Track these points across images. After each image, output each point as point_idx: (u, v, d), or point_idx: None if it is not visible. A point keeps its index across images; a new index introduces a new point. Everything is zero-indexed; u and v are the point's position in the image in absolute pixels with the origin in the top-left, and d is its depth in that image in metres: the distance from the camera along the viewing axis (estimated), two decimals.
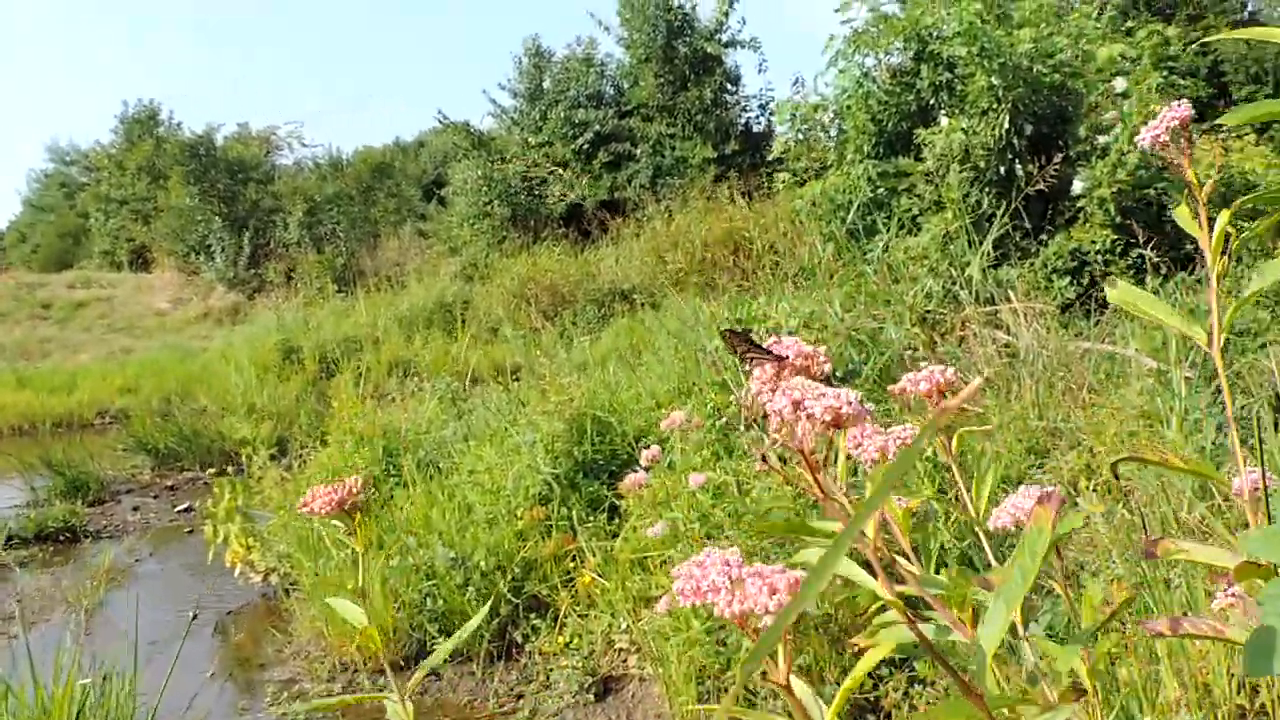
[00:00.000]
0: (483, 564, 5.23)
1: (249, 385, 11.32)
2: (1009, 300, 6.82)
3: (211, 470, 7.49)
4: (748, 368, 1.18)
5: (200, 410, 10.67)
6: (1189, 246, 7.72)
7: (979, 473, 1.26)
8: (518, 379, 9.47)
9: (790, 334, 1.19)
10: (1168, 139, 1.16)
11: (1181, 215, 1.19)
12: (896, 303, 6.89)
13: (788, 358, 1.14)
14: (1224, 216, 1.13)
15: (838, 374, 5.97)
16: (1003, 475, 5.08)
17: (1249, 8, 20.01)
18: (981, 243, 7.47)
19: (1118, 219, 7.60)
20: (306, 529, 6.06)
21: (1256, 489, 1.19)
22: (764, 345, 1.17)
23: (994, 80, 7.79)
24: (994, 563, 1.32)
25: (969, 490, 1.30)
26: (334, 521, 1.45)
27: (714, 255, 12.28)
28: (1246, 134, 11.54)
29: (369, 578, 5.13)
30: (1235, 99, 17.56)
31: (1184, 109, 1.16)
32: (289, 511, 6.34)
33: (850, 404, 0.88)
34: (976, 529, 1.32)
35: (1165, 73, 8.35)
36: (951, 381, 1.17)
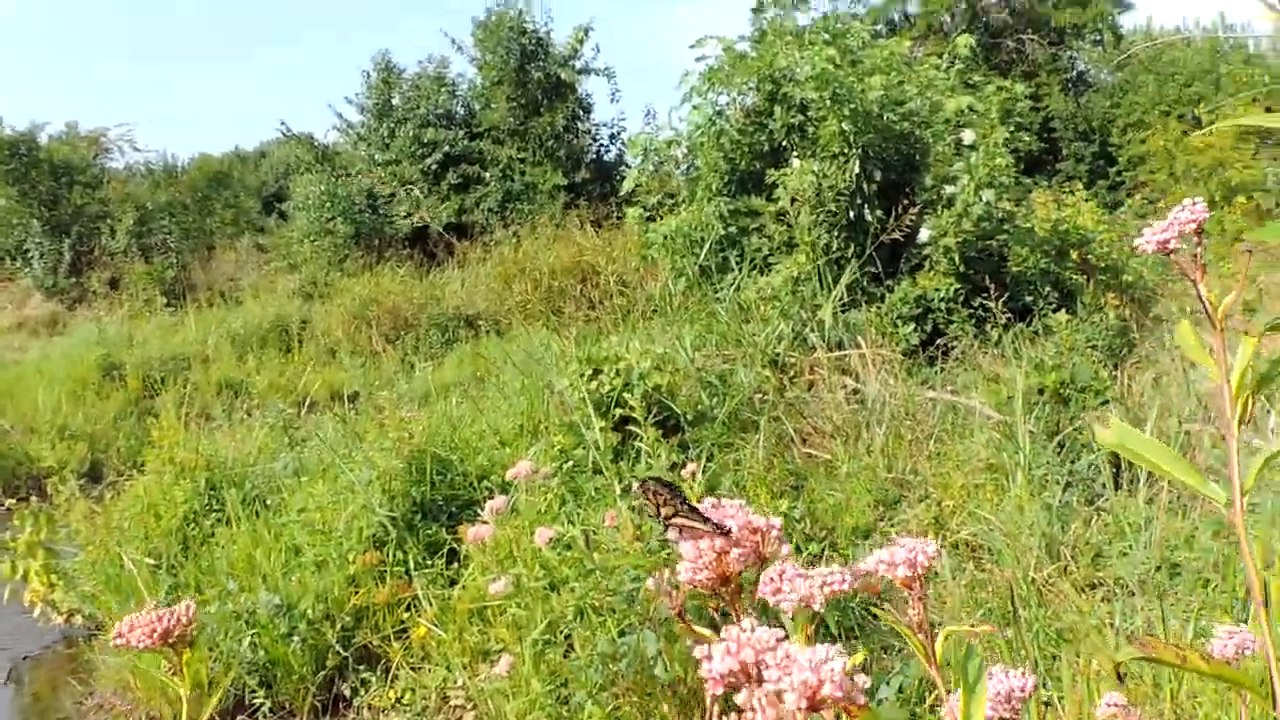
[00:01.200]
0: (310, 611, 4.90)
1: (62, 404, 10.60)
2: (858, 345, 6.84)
3: (12, 500, 6.92)
4: (671, 534, 0.98)
5: (5, 430, 9.93)
6: (1027, 298, 7.92)
7: (965, 689, 1.05)
8: (355, 406, 9.10)
9: (713, 501, 0.97)
10: (1178, 244, 1.00)
11: (1184, 334, 1.04)
12: (748, 344, 6.84)
13: (730, 531, 0.94)
14: (1247, 350, 0.98)
15: (688, 417, 5.86)
16: (852, 527, 5.04)
17: (1078, 67, 20.99)
18: (834, 286, 7.50)
19: (961, 268, 7.73)
20: (116, 569, 5.62)
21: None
22: (695, 507, 0.98)
23: (845, 125, 7.84)
24: None
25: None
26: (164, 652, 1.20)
27: (561, 284, 12.12)
28: (1077, 190, 12.00)
29: None
30: (1065, 154, 18.35)
31: (1200, 209, 1.00)
32: (98, 548, 5.88)
33: (835, 676, 0.63)
34: None
35: (1012, 127, 8.56)
36: (926, 562, 0.99)
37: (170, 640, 1.16)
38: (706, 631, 0.95)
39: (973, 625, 3.68)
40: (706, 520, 0.94)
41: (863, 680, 0.64)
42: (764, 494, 5.00)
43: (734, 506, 0.96)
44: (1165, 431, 5.23)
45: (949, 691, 1.02)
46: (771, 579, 1.09)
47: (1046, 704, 3.09)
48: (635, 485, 1.02)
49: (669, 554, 3.68)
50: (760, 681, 0.64)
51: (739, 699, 0.63)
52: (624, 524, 3.60)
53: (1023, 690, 1.09)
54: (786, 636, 0.67)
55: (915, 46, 11.68)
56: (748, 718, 0.62)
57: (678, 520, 0.96)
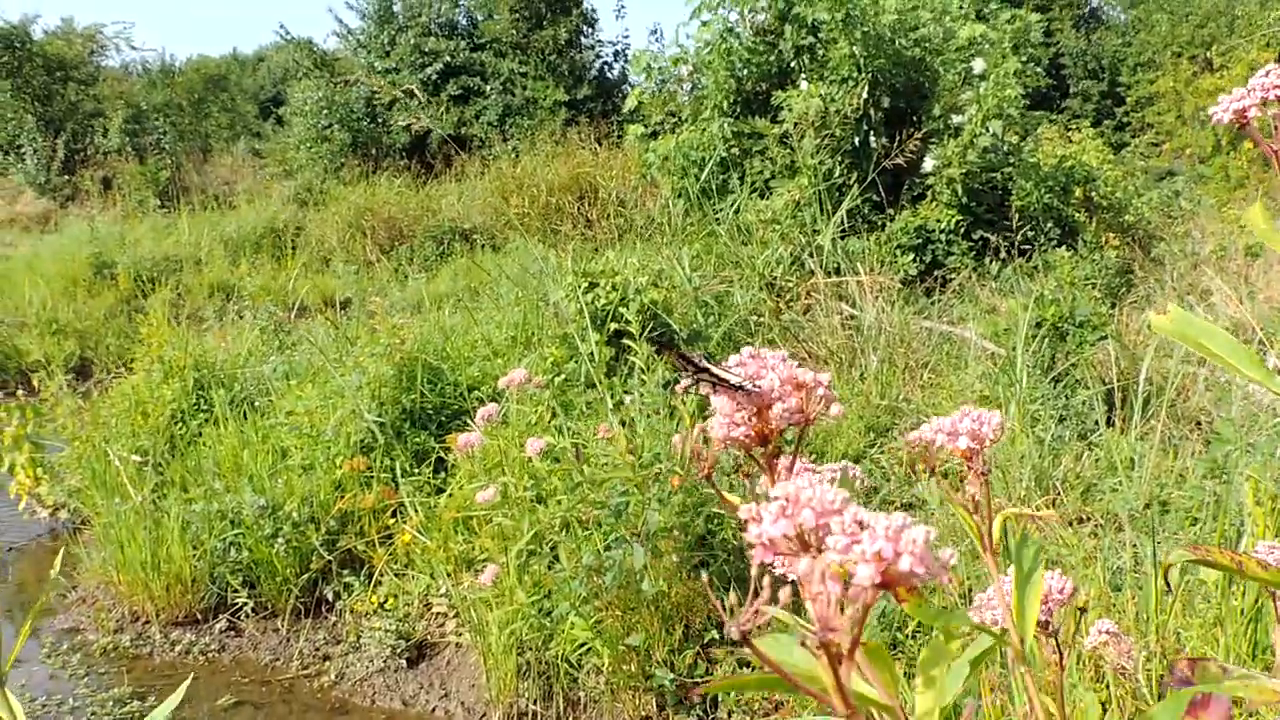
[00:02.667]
0: (295, 514, 4.88)
1: (52, 300, 10.51)
2: (856, 272, 6.78)
3: (1, 394, 6.87)
4: (700, 389, 0.87)
5: None
6: (1029, 233, 7.85)
7: (1018, 578, 0.95)
8: (347, 313, 9.04)
9: (743, 357, 0.88)
10: (1259, 113, 0.88)
11: (1255, 216, 0.95)
12: (745, 266, 6.78)
13: (764, 391, 0.82)
14: None
15: (683, 335, 5.81)
16: (842, 452, 5.02)
17: (1091, 3, 20.68)
18: (833, 212, 7.41)
19: (964, 200, 7.64)
20: (103, 464, 5.59)
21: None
22: (722, 369, 0.87)
23: (856, 49, 7.70)
24: None
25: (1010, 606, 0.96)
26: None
27: (560, 201, 11.98)
28: (1085, 126, 11.85)
29: (167, 525, 4.75)
30: (1073, 91, 18.14)
31: None
32: (84, 443, 5.84)
33: (916, 548, 0.52)
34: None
35: (1023, 59, 8.42)
36: (991, 435, 0.90)
37: None
38: (736, 499, 0.88)
39: (1034, 509, 3.69)
40: (734, 387, 0.85)
41: (949, 554, 0.54)
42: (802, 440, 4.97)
43: (775, 357, 0.86)
44: (1163, 371, 5.20)
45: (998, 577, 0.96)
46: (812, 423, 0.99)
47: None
48: (668, 356, 0.93)
49: (660, 470, 3.66)
50: (820, 550, 0.53)
51: (799, 568, 0.52)
52: (617, 437, 3.57)
53: (1062, 592, 1.03)
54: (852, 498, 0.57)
55: None
56: (809, 593, 0.52)
57: (710, 374, 0.87)
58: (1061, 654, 1.05)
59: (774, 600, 0.55)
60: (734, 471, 3.37)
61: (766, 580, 0.55)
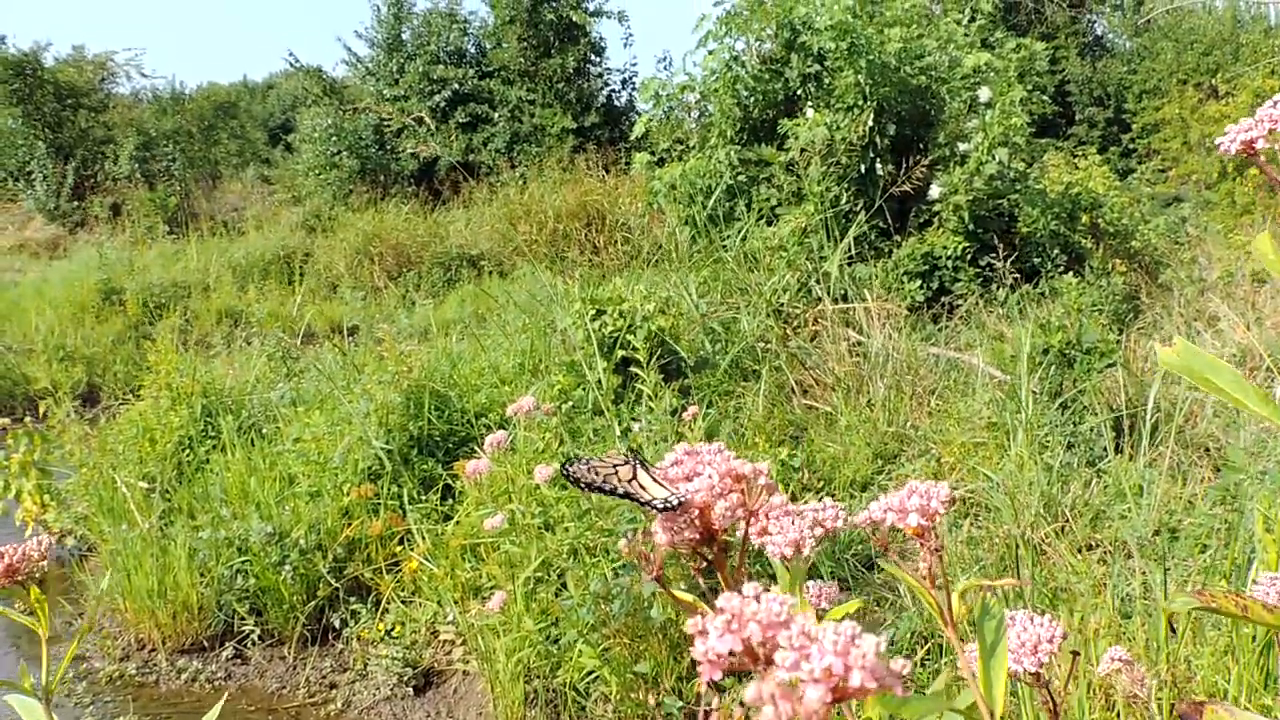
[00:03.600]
0: (302, 541, 4.88)
1: (60, 327, 10.55)
2: (863, 298, 6.78)
3: (8, 419, 6.86)
4: (651, 498, 0.85)
5: (1, 351, 9.88)
6: (1035, 259, 7.85)
7: (983, 650, 0.90)
8: (355, 340, 9.06)
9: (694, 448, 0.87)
10: (1267, 144, 0.88)
11: (1263, 246, 0.95)
12: (753, 292, 6.78)
13: (691, 504, 0.82)
14: None
15: (690, 362, 5.81)
16: (849, 479, 5.01)
17: (1096, 31, 20.74)
18: (840, 239, 7.42)
19: (970, 226, 7.66)
20: (110, 491, 5.59)
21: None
22: (653, 476, 0.87)
23: (861, 77, 7.73)
24: None
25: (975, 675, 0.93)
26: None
27: (567, 228, 12.03)
28: (1090, 154, 11.87)
29: (174, 552, 4.75)
30: (1079, 118, 18.18)
31: None
32: (92, 470, 5.85)
33: (866, 662, 0.50)
34: None
35: (1029, 87, 8.45)
36: (940, 509, 0.87)
37: (18, 579, 1.04)
38: (689, 597, 0.87)
39: (989, 579, 3.64)
40: (658, 506, 0.84)
41: (901, 665, 0.54)
42: (763, 442, 4.97)
43: (710, 451, 0.85)
44: (1171, 398, 5.19)
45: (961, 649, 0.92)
46: (757, 518, 0.99)
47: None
48: (568, 466, 0.92)
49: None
50: (769, 664, 0.52)
51: (747, 695, 0.51)
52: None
53: (1051, 640, 1.01)
54: (796, 606, 0.56)
55: (934, 2, 11.50)
56: (760, 717, 0.50)
57: (631, 497, 0.86)
58: (1055, 706, 1.03)
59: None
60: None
61: (715, 700, 0.54)
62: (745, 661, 0.54)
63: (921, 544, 0.89)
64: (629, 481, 0.89)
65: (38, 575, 1.04)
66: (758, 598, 0.55)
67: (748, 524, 0.84)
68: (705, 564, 0.87)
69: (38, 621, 1.07)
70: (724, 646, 0.53)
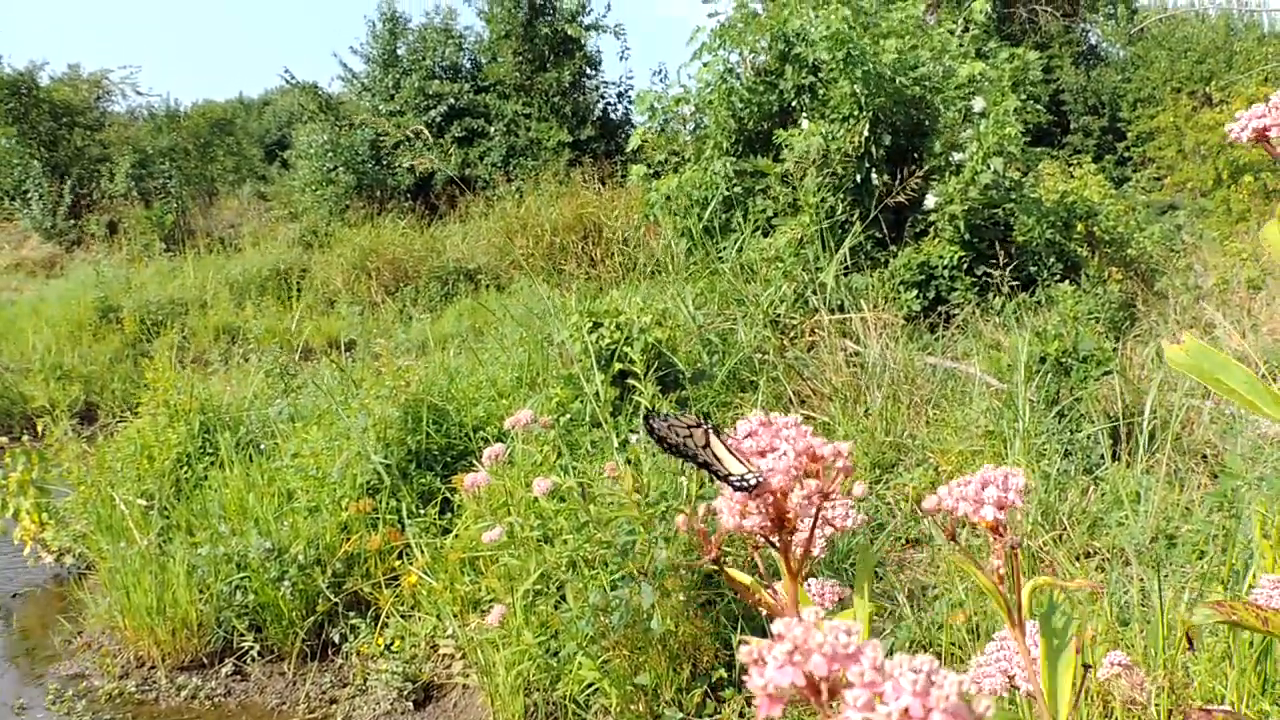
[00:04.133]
0: (301, 556, 4.88)
1: (57, 345, 10.55)
2: (860, 309, 6.79)
3: (5, 438, 6.86)
4: (727, 471, 0.80)
5: (1, 369, 9.88)
6: (1031, 268, 7.87)
7: (1046, 653, 0.88)
8: (352, 355, 9.06)
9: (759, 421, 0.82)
10: (1279, 130, 0.87)
11: (1272, 234, 0.93)
12: (749, 303, 6.79)
13: (770, 488, 0.76)
14: None
15: (688, 374, 5.82)
16: (848, 489, 5.00)
17: (1090, 40, 20.81)
18: (836, 249, 7.44)
19: (966, 236, 7.67)
20: (108, 509, 5.59)
21: None
22: (728, 447, 0.81)
23: (856, 88, 7.75)
24: None
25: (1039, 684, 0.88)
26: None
27: (564, 241, 12.05)
28: (1085, 163, 11.91)
29: (173, 569, 4.75)
30: (1074, 127, 18.23)
31: None
32: (90, 488, 5.85)
33: (947, 705, 0.46)
34: None
35: (1023, 96, 8.47)
36: (1016, 500, 0.82)
37: None
38: (747, 579, 0.81)
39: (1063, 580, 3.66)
40: (736, 484, 0.79)
41: (985, 707, 0.48)
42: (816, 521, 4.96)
43: (788, 425, 0.79)
44: (1168, 405, 5.19)
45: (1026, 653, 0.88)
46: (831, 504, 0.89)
47: None
48: (651, 420, 0.87)
49: (667, 507, 3.66)
50: (832, 696, 0.48)
51: None
52: (623, 475, 3.57)
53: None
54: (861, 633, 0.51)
55: (929, 12, 11.55)
56: None
57: (711, 469, 0.81)
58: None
59: None
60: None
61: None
62: (806, 694, 0.49)
63: (995, 538, 0.84)
64: (703, 448, 0.84)
65: None
66: (819, 624, 0.50)
67: (818, 512, 0.78)
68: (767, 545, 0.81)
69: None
70: (785, 679, 0.48)
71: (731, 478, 0.80)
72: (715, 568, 0.79)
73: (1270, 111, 0.89)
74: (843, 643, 0.49)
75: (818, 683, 0.49)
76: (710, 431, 0.85)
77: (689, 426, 0.86)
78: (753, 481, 0.79)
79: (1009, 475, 0.82)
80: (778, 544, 0.79)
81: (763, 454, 0.79)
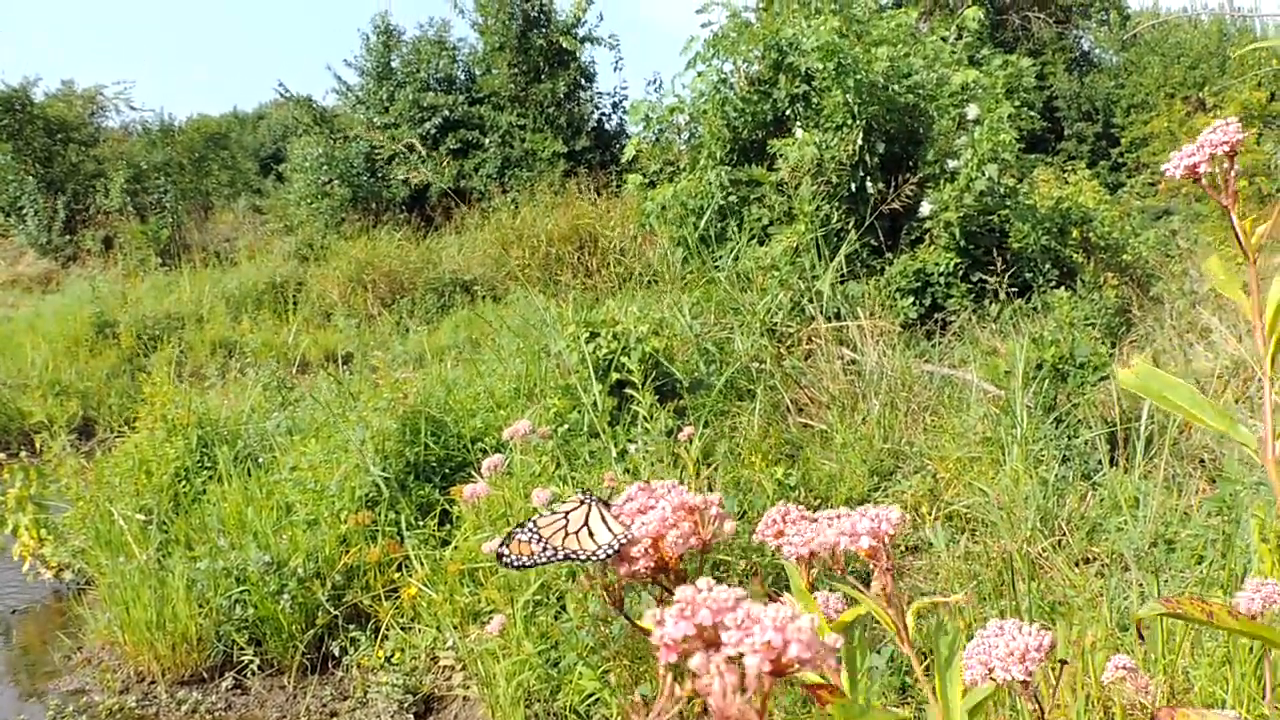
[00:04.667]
0: (300, 569, 4.87)
1: (54, 361, 10.55)
2: (856, 316, 6.80)
3: (3, 454, 6.85)
4: (593, 551, 0.88)
5: None
6: (1027, 275, 7.88)
7: (939, 665, 0.95)
8: (350, 368, 9.06)
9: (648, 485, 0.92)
10: (1209, 169, 0.92)
11: (1213, 268, 0.99)
12: (746, 312, 6.80)
13: (627, 547, 0.85)
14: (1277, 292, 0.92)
15: (685, 383, 5.82)
16: (845, 497, 5.01)
17: (1083, 47, 20.87)
18: (832, 257, 7.45)
19: (962, 243, 7.69)
20: (107, 524, 5.59)
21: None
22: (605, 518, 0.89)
23: (849, 97, 7.77)
24: None
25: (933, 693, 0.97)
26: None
27: (559, 251, 12.06)
28: (1080, 169, 11.94)
29: (172, 583, 4.74)
30: (1068, 134, 18.28)
31: (1233, 129, 0.92)
32: (88, 503, 5.85)
33: (802, 636, 0.55)
34: None
35: (1017, 103, 8.50)
36: (890, 531, 0.91)
37: None
38: (651, 625, 0.90)
39: (943, 594, 3.64)
40: (584, 558, 0.87)
41: (833, 640, 0.58)
42: (759, 461, 4.97)
43: (664, 486, 0.88)
44: (1164, 410, 5.19)
45: (925, 670, 0.96)
46: (774, 520, 1.02)
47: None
48: (501, 547, 0.95)
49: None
50: (719, 646, 0.56)
51: (692, 663, 0.55)
52: (622, 485, 3.57)
53: (1039, 649, 1.03)
54: (746, 595, 0.59)
55: (921, 20, 11.59)
56: (703, 685, 0.55)
57: (558, 555, 0.89)
58: (1042, 710, 1.05)
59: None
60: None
61: (670, 678, 0.58)
62: (699, 646, 0.57)
63: (874, 564, 0.92)
64: (575, 532, 0.90)
65: None
66: (710, 588, 0.59)
67: (703, 553, 0.88)
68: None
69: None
70: (679, 631, 0.57)
71: (596, 553, 0.87)
72: (621, 615, 0.89)
73: (1198, 150, 0.93)
74: (724, 599, 0.58)
75: (706, 632, 0.57)
76: (594, 504, 0.92)
77: (565, 513, 0.93)
78: (613, 549, 0.86)
79: (885, 511, 0.92)
80: (668, 584, 0.88)
81: (644, 511, 0.87)
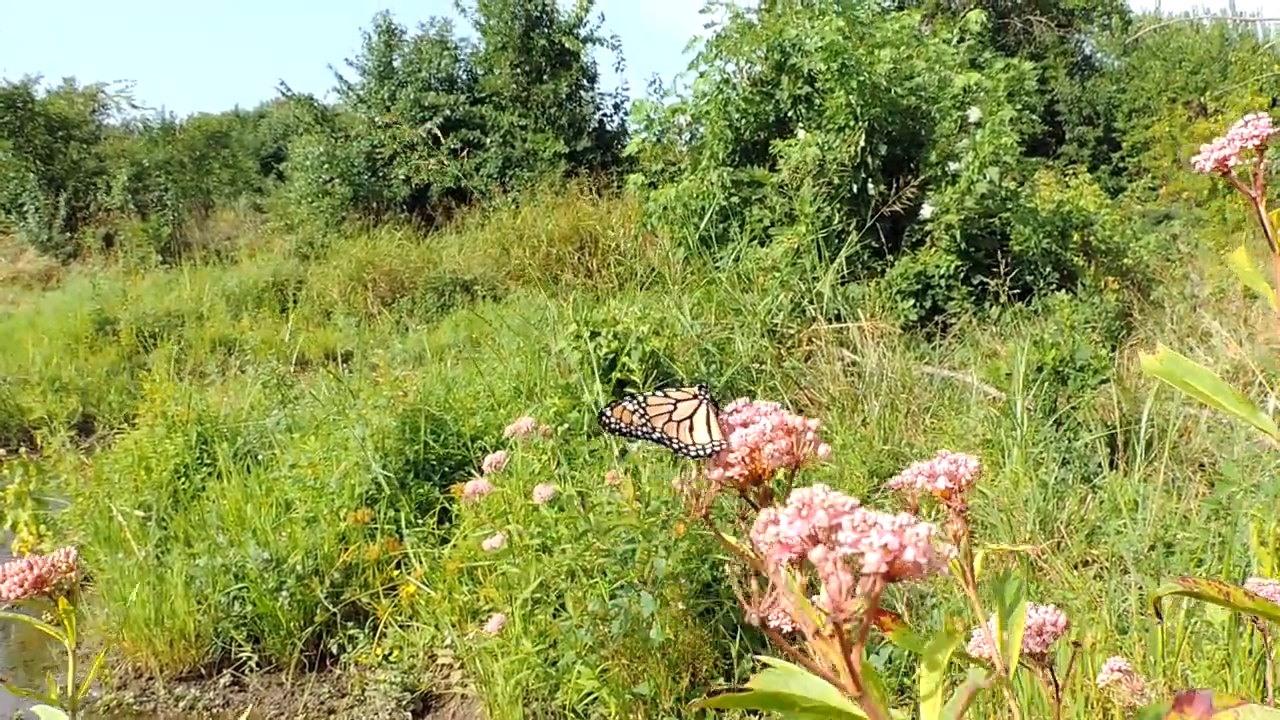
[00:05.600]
0: (299, 567, 4.88)
1: (55, 358, 10.54)
2: (857, 318, 6.80)
3: (3, 450, 6.85)
4: (692, 445, 0.90)
5: None
6: (1028, 278, 7.88)
7: (1001, 611, 1.01)
8: (349, 366, 9.06)
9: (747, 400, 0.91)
10: (1239, 162, 0.93)
11: (1239, 261, 0.99)
12: (746, 313, 6.80)
13: (719, 450, 0.85)
14: None
15: (685, 383, 5.82)
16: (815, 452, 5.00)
17: (1085, 51, 20.87)
18: (833, 259, 7.45)
19: (963, 245, 7.68)
20: (106, 520, 5.59)
21: None
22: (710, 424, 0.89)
23: (852, 98, 7.77)
24: None
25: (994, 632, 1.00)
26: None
27: (560, 251, 12.05)
28: (1081, 173, 11.94)
29: (171, 580, 4.74)
30: (1069, 137, 18.28)
31: (1264, 124, 0.92)
32: (87, 499, 5.85)
33: (919, 542, 0.56)
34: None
35: (1018, 106, 8.50)
36: (967, 476, 0.95)
37: (46, 589, 1.07)
38: (733, 539, 0.90)
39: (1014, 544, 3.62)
40: (693, 455, 0.88)
41: (948, 549, 0.60)
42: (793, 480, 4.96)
43: (767, 406, 0.89)
44: (1165, 414, 5.20)
45: (986, 618, 0.98)
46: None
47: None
48: (606, 410, 0.96)
49: (668, 516, 3.66)
50: (834, 548, 0.57)
51: (813, 555, 0.56)
52: (625, 484, 3.57)
53: (1055, 625, 1.06)
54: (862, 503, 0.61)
55: (924, 23, 11.59)
56: (822, 576, 0.56)
57: (673, 444, 0.89)
58: (1058, 685, 1.07)
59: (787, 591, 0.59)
60: (737, 519, 3.37)
61: (783, 573, 0.58)
62: (808, 544, 0.58)
63: (948, 506, 0.95)
64: (679, 422, 0.91)
65: (65, 586, 1.07)
66: (827, 493, 0.60)
67: (793, 473, 0.87)
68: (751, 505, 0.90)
69: (64, 632, 1.10)
70: (794, 531, 0.57)
71: (692, 448, 0.88)
72: (706, 524, 0.87)
73: (1229, 144, 0.93)
74: (841, 502, 0.60)
75: (819, 535, 0.58)
76: (706, 401, 0.92)
77: (675, 400, 0.93)
78: (709, 451, 0.87)
79: (966, 458, 0.95)
80: (755, 496, 0.88)
81: (745, 425, 0.87)
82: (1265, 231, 0.92)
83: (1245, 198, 0.96)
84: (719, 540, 0.89)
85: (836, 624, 0.56)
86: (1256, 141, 0.90)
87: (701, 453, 0.87)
